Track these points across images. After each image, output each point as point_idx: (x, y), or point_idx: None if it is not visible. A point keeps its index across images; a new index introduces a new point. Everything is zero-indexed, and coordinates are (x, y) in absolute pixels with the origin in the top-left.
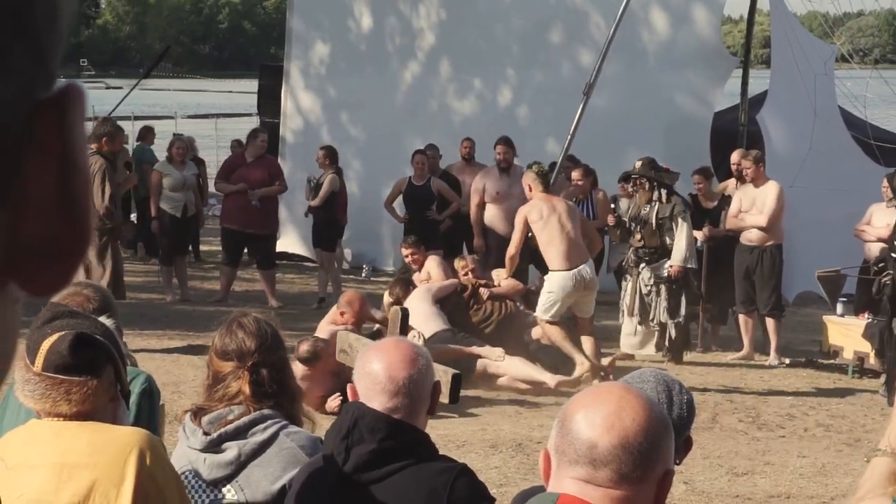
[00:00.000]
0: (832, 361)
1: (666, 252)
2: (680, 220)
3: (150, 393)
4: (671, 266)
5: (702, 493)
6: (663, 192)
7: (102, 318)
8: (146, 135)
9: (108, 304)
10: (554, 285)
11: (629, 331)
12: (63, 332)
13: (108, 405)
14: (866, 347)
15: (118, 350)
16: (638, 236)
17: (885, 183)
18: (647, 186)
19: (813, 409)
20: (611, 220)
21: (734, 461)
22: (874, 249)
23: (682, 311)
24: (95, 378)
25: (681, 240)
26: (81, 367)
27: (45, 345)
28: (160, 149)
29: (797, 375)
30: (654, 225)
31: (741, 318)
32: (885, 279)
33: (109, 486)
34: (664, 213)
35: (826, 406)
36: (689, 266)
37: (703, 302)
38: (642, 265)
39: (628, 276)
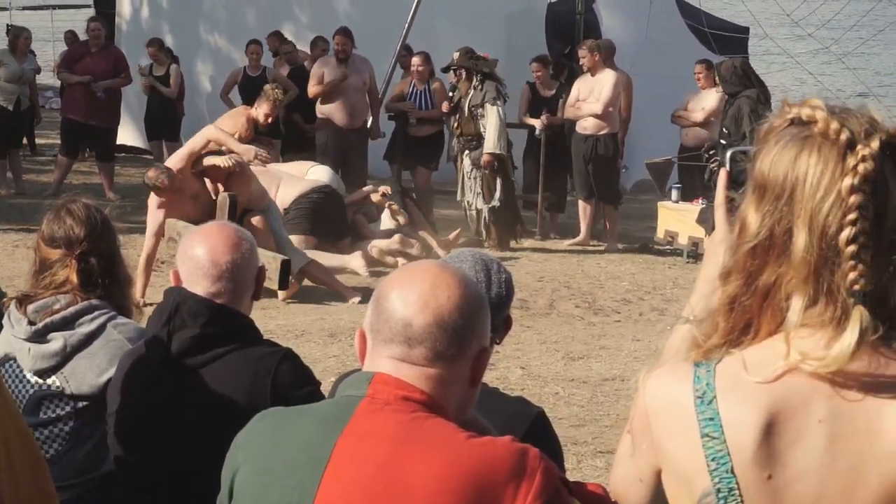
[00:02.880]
0: (667, 247)
1: (483, 139)
2: (488, 106)
3: None
4: (483, 155)
5: (538, 377)
6: (478, 79)
7: None
8: None
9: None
10: None
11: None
12: None
13: None
14: (700, 233)
15: None
16: (455, 124)
17: (697, 69)
18: (464, 76)
19: (648, 294)
20: (445, 106)
21: (570, 346)
22: (691, 135)
23: (498, 196)
24: None
25: (489, 128)
26: None
27: None
28: None
29: (633, 261)
30: (466, 112)
31: (580, 204)
32: (713, 165)
33: None
34: (476, 101)
35: (661, 291)
36: (498, 153)
37: (541, 190)
38: (466, 152)
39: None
